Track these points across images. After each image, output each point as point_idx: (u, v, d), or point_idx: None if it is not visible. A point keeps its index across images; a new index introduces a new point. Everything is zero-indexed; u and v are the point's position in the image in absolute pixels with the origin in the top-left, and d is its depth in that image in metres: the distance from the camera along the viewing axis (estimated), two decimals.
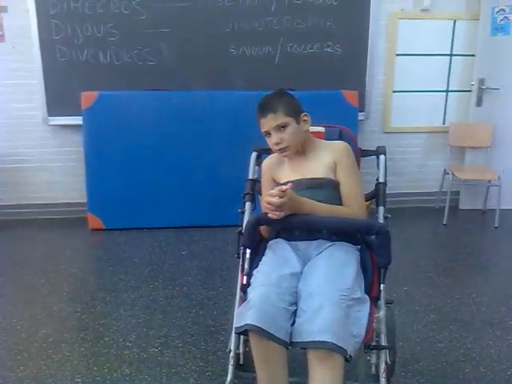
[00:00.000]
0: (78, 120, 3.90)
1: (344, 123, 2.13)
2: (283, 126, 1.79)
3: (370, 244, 1.76)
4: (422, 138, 4.40)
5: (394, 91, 4.26)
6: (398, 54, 4.16)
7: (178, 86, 3.95)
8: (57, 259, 3.42)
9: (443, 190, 4.32)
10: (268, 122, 1.80)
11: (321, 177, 1.81)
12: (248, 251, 1.74)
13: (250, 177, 2.08)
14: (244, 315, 1.52)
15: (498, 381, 2.14)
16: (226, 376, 1.76)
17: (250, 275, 1.70)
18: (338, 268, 1.61)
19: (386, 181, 2.00)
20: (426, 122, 4.36)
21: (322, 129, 2.06)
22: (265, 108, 1.82)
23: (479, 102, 4.18)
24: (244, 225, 1.95)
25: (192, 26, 3.91)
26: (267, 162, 1.99)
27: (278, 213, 1.64)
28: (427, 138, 4.41)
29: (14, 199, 4.19)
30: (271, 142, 1.83)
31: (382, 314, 1.68)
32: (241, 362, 1.80)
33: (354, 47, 4.06)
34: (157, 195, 3.95)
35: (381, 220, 1.91)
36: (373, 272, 1.69)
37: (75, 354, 2.33)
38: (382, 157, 2.04)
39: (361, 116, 4.13)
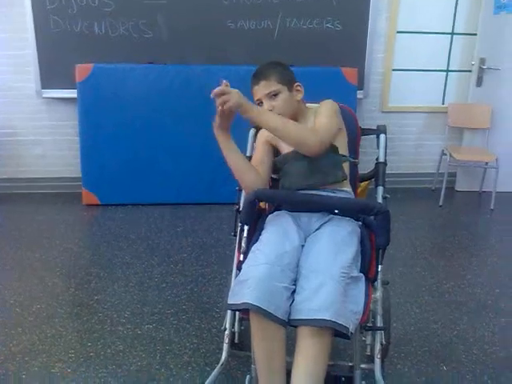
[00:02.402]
0: (72, 93, 3.83)
1: (342, 101, 2.08)
2: (275, 94, 1.79)
3: (369, 224, 1.74)
4: (420, 118, 4.36)
5: (394, 69, 4.19)
6: (398, 32, 4.09)
7: (174, 59, 3.88)
8: (51, 234, 3.40)
9: (440, 171, 4.30)
10: (260, 89, 1.80)
11: None
12: (246, 228, 1.71)
13: (248, 154, 2.05)
14: (240, 293, 1.50)
15: (491, 362, 2.15)
16: (221, 354, 1.75)
17: (246, 253, 1.68)
18: (340, 245, 1.59)
19: (386, 160, 1.97)
20: (425, 102, 4.31)
21: (316, 105, 2.01)
22: (258, 75, 1.83)
23: (479, 83, 4.14)
24: (241, 203, 1.93)
25: None
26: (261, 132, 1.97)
27: (224, 104, 1.60)
28: (425, 118, 4.37)
29: (7, 173, 4.14)
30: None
31: (378, 294, 1.67)
32: (236, 341, 1.79)
33: (354, 23, 3.98)
34: (152, 171, 3.91)
35: (379, 200, 1.89)
36: (371, 252, 1.68)
37: (69, 330, 2.32)
38: (382, 136, 2.01)
39: (359, 94, 4.08)
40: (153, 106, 3.82)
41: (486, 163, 4.20)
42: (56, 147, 4.12)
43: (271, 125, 1.67)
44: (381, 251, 1.66)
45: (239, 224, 1.84)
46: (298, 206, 1.75)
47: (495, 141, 4.18)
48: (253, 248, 1.66)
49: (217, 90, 1.60)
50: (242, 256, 1.69)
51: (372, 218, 1.73)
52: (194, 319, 2.44)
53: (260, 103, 1.83)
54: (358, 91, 4.02)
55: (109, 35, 3.84)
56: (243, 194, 1.95)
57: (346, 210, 1.73)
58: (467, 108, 4.22)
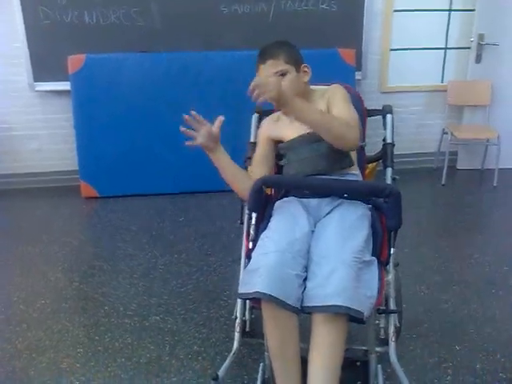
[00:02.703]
0: (65, 85, 3.76)
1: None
2: (282, 74, 1.74)
3: (380, 206, 1.70)
4: (419, 97, 4.31)
5: (392, 49, 4.13)
6: (395, 10, 4.02)
7: (168, 47, 3.81)
8: (50, 229, 3.35)
9: (441, 150, 4.26)
10: (267, 68, 1.75)
11: None
12: (254, 215, 1.67)
13: (252, 139, 2.01)
14: (252, 282, 1.46)
15: (503, 341, 2.13)
16: (231, 343, 1.72)
17: (255, 240, 1.65)
18: (350, 230, 1.56)
19: (393, 141, 1.93)
20: (424, 81, 4.26)
21: (322, 87, 1.96)
22: (265, 54, 1.77)
23: (478, 59, 4.08)
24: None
25: None
26: (266, 121, 1.94)
27: (266, 94, 1.50)
28: (425, 97, 4.32)
29: (3, 169, 4.08)
30: None
31: (390, 277, 1.64)
32: (247, 329, 1.76)
33: (349, 3, 3.91)
34: (151, 161, 3.85)
35: (388, 182, 1.86)
36: (382, 235, 1.64)
37: (75, 324, 2.29)
38: (388, 116, 1.97)
39: (357, 75, 4.02)
40: (148, 95, 3.76)
41: (487, 140, 4.16)
42: (51, 141, 4.06)
43: (312, 118, 1.60)
44: (393, 234, 1.62)
45: (246, 212, 1.81)
46: (307, 191, 1.70)
47: (496, 117, 4.14)
48: (262, 236, 1.62)
49: (254, 82, 1.50)
50: (250, 244, 1.65)
51: (382, 200, 1.69)
52: (202, 308, 2.41)
53: None
54: (356, 72, 3.96)
55: (100, 24, 3.76)
56: None
57: (356, 194, 1.68)
58: (467, 85, 4.16)
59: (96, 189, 3.84)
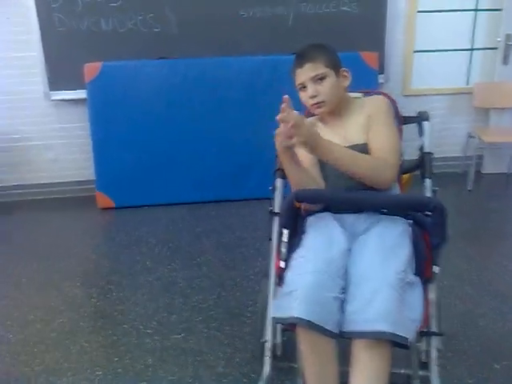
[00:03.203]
0: (81, 94, 3.69)
1: (364, 87, 1.93)
2: (321, 78, 1.63)
3: (422, 221, 1.57)
4: (444, 101, 4.17)
5: (415, 51, 4.00)
6: (419, 11, 3.89)
7: (185, 53, 3.73)
8: (67, 242, 3.27)
9: (467, 154, 4.11)
10: (305, 72, 1.63)
11: (360, 143, 1.62)
12: (286, 232, 1.55)
13: None
14: (287, 305, 1.35)
15: None
16: (256, 363, 1.62)
17: (287, 259, 1.53)
18: (392, 248, 1.43)
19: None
20: (449, 83, 4.12)
21: (359, 95, 1.85)
22: (303, 57, 1.65)
23: (506, 60, 3.93)
24: (275, 203, 1.78)
25: None
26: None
27: (291, 139, 1.43)
28: (450, 100, 4.18)
29: (18, 180, 4.03)
30: (306, 95, 1.65)
31: (433, 297, 1.52)
32: (278, 353, 1.64)
33: (371, 4, 3.79)
34: (168, 170, 3.76)
35: (428, 194, 1.73)
36: (425, 252, 1.51)
37: (94, 345, 2.19)
38: (426, 123, 1.84)
39: (380, 79, 3.89)
40: (166, 102, 3.67)
41: None
42: (67, 150, 3.99)
43: (341, 162, 1.51)
44: (437, 251, 1.50)
45: (277, 227, 1.70)
46: (343, 205, 1.58)
47: None
48: (295, 255, 1.50)
49: (283, 116, 1.42)
50: (282, 263, 1.53)
51: (424, 214, 1.56)
52: (225, 326, 2.29)
53: (302, 88, 1.67)
54: (379, 75, 3.84)
55: (117, 31, 3.69)
56: (277, 193, 1.79)
57: (397, 208, 1.56)
58: (494, 87, 4.02)
59: (112, 199, 3.76)
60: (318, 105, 1.65)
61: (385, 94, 1.90)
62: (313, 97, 1.64)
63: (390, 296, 1.30)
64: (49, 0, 3.56)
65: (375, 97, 1.74)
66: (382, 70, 3.89)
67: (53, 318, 2.40)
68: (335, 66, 1.66)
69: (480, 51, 4.07)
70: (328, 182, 1.66)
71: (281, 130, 1.44)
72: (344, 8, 3.77)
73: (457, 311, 2.32)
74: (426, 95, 4.10)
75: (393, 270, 1.36)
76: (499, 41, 3.92)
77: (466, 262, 2.78)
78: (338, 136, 1.64)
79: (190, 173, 3.76)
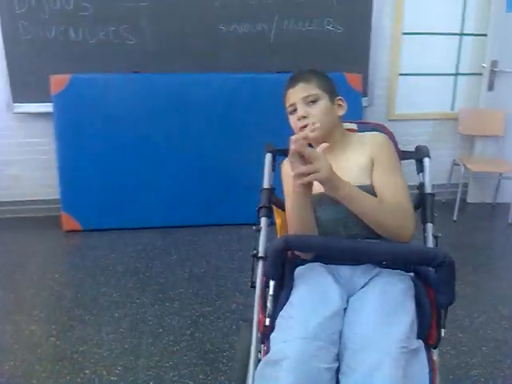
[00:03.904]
0: (47, 107, 3.43)
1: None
2: (313, 101, 1.50)
3: (426, 276, 1.40)
4: (428, 126, 4.06)
5: (400, 74, 3.88)
6: (404, 33, 3.79)
7: (161, 68, 3.51)
8: (26, 268, 3.00)
9: (452, 182, 4.01)
10: (297, 92, 1.51)
11: (365, 184, 1.45)
12: (272, 284, 1.35)
13: (266, 185, 1.68)
14: (273, 376, 1.16)
15: None
16: None
17: (273, 316, 1.33)
18: (394, 310, 1.25)
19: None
20: (434, 108, 4.02)
21: (353, 125, 1.68)
22: (296, 78, 1.54)
23: (491, 87, 3.85)
24: (260, 246, 1.58)
25: (176, 0, 3.46)
26: (287, 163, 1.61)
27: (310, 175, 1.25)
28: (434, 126, 4.08)
29: None
30: (295, 117, 1.50)
31: (437, 359, 1.34)
32: None
33: (356, 24, 3.67)
34: (139, 191, 3.52)
35: (430, 241, 1.56)
36: (431, 311, 1.33)
37: None
38: (426, 160, 1.68)
39: (364, 102, 3.76)
40: (139, 119, 3.44)
41: (500, 174, 3.92)
42: (31, 167, 3.71)
43: (362, 210, 1.36)
44: (443, 311, 1.32)
45: (261, 273, 1.51)
46: (340, 256, 1.39)
47: (509, 149, 3.90)
48: (282, 313, 1.31)
49: (302, 149, 1.25)
50: (267, 320, 1.33)
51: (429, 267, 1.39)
52: (198, 374, 2.07)
53: (293, 111, 1.51)
54: (363, 98, 3.70)
55: (87, 42, 3.45)
56: (263, 234, 1.59)
57: (399, 261, 1.38)
58: (479, 114, 3.93)
59: (79, 221, 3.49)
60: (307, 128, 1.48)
61: (383, 127, 1.74)
62: (302, 118, 1.48)
63: (394, 370, 1.13)
64: (13, 5, 3.31)
65: (376, 135, 1.57)
66: (365, 93, 3.76)
67: (4, 359, 2.14)
68: (329, 92, 1.53)
69: (465, 76, 3.99)
70: (320, 229, 1.46)
71: (299, 168, 1.25)
72: (328, 27, 3.63)
73: (450, 361, 2.16)
74: (410, 120, 3.98)
75: (395, 337, 1.18)
76: (484, 66, 3.84)
77: (458, 305, 2.62)
78: None
79: (163, 195, 3.53)
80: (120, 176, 3.49)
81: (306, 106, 1.50)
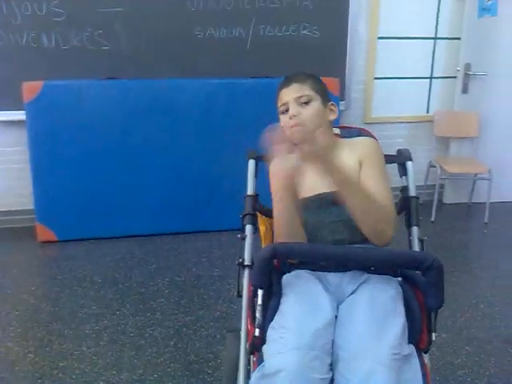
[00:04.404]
0: (20, 115, 3.33)
1: None
2: (306, 102, 1.49)
3: (414, 279, 1.39)
4: (404, 129, 4.10)
5: (376, 78, 3.91)
6: (380, 37, 3.82)
7: (137, 73, 3.45)
8: (0, 282, 2.90)
9: (428, 183, 4.05)
10: (290, 92, 1.51)
11: None
12: (260, 293, 1.32)
13: (250, 192, 1.66)
14: None
15: None
16: None
17: (263, 326, 1.30)
18: (384, 317, 1.25)
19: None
20: (409, 111, 4.06)
21: (336, 130, 1.68)
22: (290, 79, 1.55)
23: (465, 89, 3.90)
24: (246, 255, 1.55)
25: (151, 5, 3.41)
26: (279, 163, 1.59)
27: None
28: (410, 129, 4.11)
29: None
30: (287, 117, 1.49)
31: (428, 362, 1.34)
32: None
33: (332, 29, 3.67)
34: (117, 200, 3.44)
35: (415, 244, 1.56)
36: (421, 316, 1.33)
37: None
38: (409, 163, 1.69)
39: (341, 106, 3.77)
40: (115, 126, 3.37)
41: (476, 174, 3.98)
42: (3, 176, 3.60)
43: (355, 198, 1.34)
44: (433, 315, 1.31)
45: (247, 282, 1.48)
46: (328, 263, 1.38)
47: (484, 150, 3.96)
48: (273, 324, 1.28)
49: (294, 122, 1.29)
50: (257, 331, 1.30)
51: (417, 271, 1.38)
52: None
53: (284, 111, 1.51)
54: (340, 102, 3.71)
55: (60, 48, 3.37)
56: (248, 242, 1.57)
57: (387, 266, 1.38)
58: (453, 116, 3.98)
59: (54, 232, 3.40)
60: (297, 128, 1.46)
61: (367, 132, 1.74)
62: (293, 117, 1.47)
63: (386, 379, 1.13)
64: None
65: (366, 139, 1.58)
66: (342, 97, 3.77)
67: None
68: (323, 95, 1.54)
69: (440, 80, 4.04)
70: (308, 234, 1.44)
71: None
72: (304, 32, 3.63)
73: (435, 362, 2.17)
74: (386, 123, 4.01)
75: (387, 345, 1.18)
76: (458, 70, 3.90)
77: None
78: (318, 183, 1.43)
79: (141, 203, 3.46)
80: (96, 184, 3.41)
81: (299, 107, 1.49)
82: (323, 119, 1.52)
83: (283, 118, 1.52)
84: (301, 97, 1.49)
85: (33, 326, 2.46)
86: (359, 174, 1.47)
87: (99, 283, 2.87)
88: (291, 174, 1.31)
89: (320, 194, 1.44)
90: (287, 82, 1.54)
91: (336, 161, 1.30)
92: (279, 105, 1.54)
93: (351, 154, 1.50)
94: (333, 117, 1.56)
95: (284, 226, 1.40)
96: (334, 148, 1.52)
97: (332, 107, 1.56)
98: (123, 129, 3.39)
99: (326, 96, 1.55)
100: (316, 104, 1.50)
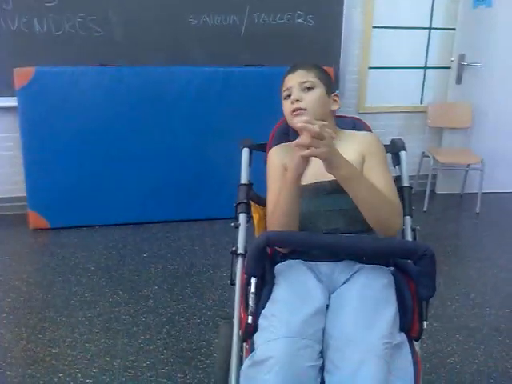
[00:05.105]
0: (11, 101, 3.31)
1: None
2: (310, 88, 1.51)
3: (406, 269, 1.40)
4: (398, 119, 4.11)
5: (370, 67, 3.91)
6: (374, 27, 3.81)
7: (129, 60, 3.43)
8: None
9: (421, 173, 4.07)
10: (295, 77, 1.53)
11: None
12: (254, 281, 1.32)
13: (244, 181, 1.66)
14: (259, 378, 1.15)
15: None
16: None
17: (256, 314, 1.31)
18: (376, 306, 1.25)
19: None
20: (403, 102, 4.07)
21: None
22: (296, 65, 1.57)
23: (459, 80, 3.92)
24: (239, 243, 1.56)
25: None
26: (277, 150, 1.58)
27: (310, 150, 1.22)
28: (404, 119, 4.13)
29: None
30: (289, 102, 1.52)
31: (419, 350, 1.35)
32: None
33: (327, 18, 3.66)
34: (109, 187, 3.44)
35: (408, 234, 1.57)
36: (412, 304, 1.34)
37: None
38: (403, 153, 1.70)
39: None
40: (107, 113, 3.36)
41: (468, 165, 4.00)
42: None
43: (359, 193, 1.32)
44: (424, 303, 1.33)
45: (240, 270, 1.49)
46: (321, 252, 1.38)
47: (477, 140, 3.98)
48: (265, 312, 1.28)
49: (310, 126, 1.21)
50: (249, 318, 1.31)
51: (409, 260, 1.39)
52: (176, 373, 2.04)
53: (287, 96, 1.53)
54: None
55: (52, 34, 3.34)
56: (241, 230, 1.57)
57: (380, 255, 1.38)
58: (447, 107, 3.99)
59: (47, 219, 3.39)
60: (299, 112, 1.49)
61: (361, 121, 1.75)
62: (295, 102, 1.49)
63: (378, 366, 1.13)
64: None
65: (368, 134, 1.59)
66: (337, 86, 3.76)
67: None
68: (327, 84, 1.56)
69: (434, 70, 4.04)
70: (301, 221, 1.43)
71: (303, 139, 1.23)
72: (299, 20, 3.61)
73: (426, 350, 2.19)
74: (380, 113, 4.02)
75: (378, 334, 1.18)
76: (452, 60, 3.90)
77: None
78: (317, 172, 1.42)
79: (134, 190, 3.46)
80: (89, 171, 3.40)
81: (302, 92, 1.51)
82: (325, 108, 1.53)
83: (286, 103, 1.54)
84: (305, 82, 1.51)
85: (25, 313, 2.46)
86: (362, 168, 1.47)
87: (92, 271, 2.87)
88: (304, 164, 1.30)
89: (316, 183, 1.44)
90: (293, 68, 1.56)
91: (340, 157, 1.28)
92: (283, 89, 1.56)
93: (353, 147, 1.49)
94: (335, 107, 1.58)
95: (285, 215, 1.38)
96: (336, 139, 1.51)
97: (335, 98, 1.59)
98: (115, 116, 3.37)
99: (330, 86, 1.57)
100: (319, 91, 1.52)
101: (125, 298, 2.59)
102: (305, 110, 1.48)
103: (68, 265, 2.93)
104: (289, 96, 1.52)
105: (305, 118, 1.26)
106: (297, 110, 1.49)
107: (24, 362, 2.10)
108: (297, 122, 1.25)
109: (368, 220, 1.36)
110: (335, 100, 1.58)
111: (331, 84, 1.59)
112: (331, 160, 1.26)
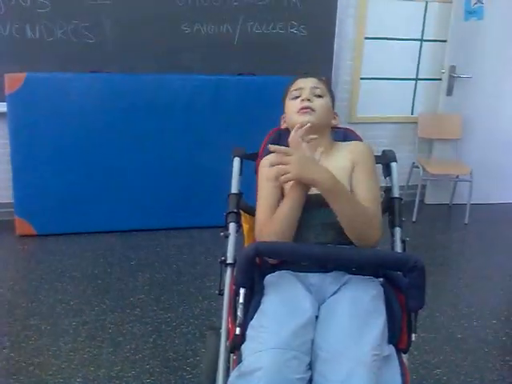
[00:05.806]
0: (1, 107, 3.28)
1: None
2: (320, 95, 1.57)
3: (395, 280, 1.39)
4: (389, 130, 4.12)
5: (362, 78, 3.93)
6: (366, 38, 3.83)
7: (122, 68, 3.42)
8: None
9: (410, 184, 4.09)
10: (307, 82, 1.59)
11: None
12: (242, 291, 1.30)
13: (234, 190, 1.65)
14: None
15: None
16: None
17: (244, 324, 1.29)
18: (365, 318, 1.24)
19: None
20: (394, 112, 4.08)
21: None
22: (307, 73, 1.65)
23: (450, 91, 3.94)
24: (229, 253, 1.55)
25: None
26: (267, 159, 1.56)
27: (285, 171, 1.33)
28: (395, 130, 4.14)
29: None
30: (297, 101, 1.55)
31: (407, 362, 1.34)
32: None
33: (320, 28, 3.68)
34: (97, 194, 3.41)
35: (398, 245, 1.57)
36: (401, 316, 1.33)
37: None
38: (393, 164, 1.70)
39: None
40: (98, 121, 3.33)
41: (457, 176, 4.02)
42: None
43: (339, 206, 1.35)
44: (413, 315, 1.32)
45: (229, 280, 1.48)
46: (311, 263, 1.37)
47: (466, 152, 4.00)
48: (253, 322, 1.27)
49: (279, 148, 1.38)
50: (237, 329, 1.29)
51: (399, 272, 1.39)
52: (162, 383, 2.02)
53: (295, 97, 1.57)
54: None
55: (44, 40, 3.32)
56: (231, 240, 1.56)
57: (370, 266, 1.38)
58: (438, 118, 4.02)
59: (33, 226, 3.35)
60: (307, 110, 1.51)
61: (353, 132, 1.76)
62: (306, 100, 1.52)
63: (366, 380, 1.12)
64: None
65: (358, 143, 1.62)
66: None
67: None
68: (332, 98, 1.64)
69: (425, 81, 4.07)
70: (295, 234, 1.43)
71: (271, 171, 1.36)
72: (292, 30, 3.62)
73: (413, 361, 2.18)
74: (371, 123, 4.03)
75: (368, 345, 1.17)
76: (443, 72, 3.93)
77: None
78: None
79: (122, 198, 3.43)
80: (77, 179, 3.37)
81: (313, 95, 1.55)
82: (329, 119, 1.60)
83: (292, 103, 1.57)
84: (317, 88, 1.57)
85: (9, 320, 2.42)
86: (351, 175, 1.49)
87: (78, 278, 2.83)
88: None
89: (309, 195, 1.44)
90: (305, 74, 1.63)
91: (314, 173, 1.34)
92: (292, 89, 1.59)
93: (344, 154, 1.53)
94: (335, 122, 1.65)
95: (284, 224, 1.39)
96: (331, 151, 1.56)
97: (335, 115, 1.66)
98: (106, 123, 3.35)
99: (333, 102, 1.65)
100: (328, 100, 1.59)
101: (111, 307, 2.56)
102: (313, 110, 1.52)
103: (54, 272, 2.90)
104: (297, 97, 1.55)
105: (308, 118, 1.46)
106: (306, 108, 1.52)
107: (6, 371, 2.07)
108: (301, 121, 1.43)
109: (345, 231, 1.37)
110: (335, 117, 1.66)
111: (334, 101, 1.66)
112: (303, 179, 1.34)
